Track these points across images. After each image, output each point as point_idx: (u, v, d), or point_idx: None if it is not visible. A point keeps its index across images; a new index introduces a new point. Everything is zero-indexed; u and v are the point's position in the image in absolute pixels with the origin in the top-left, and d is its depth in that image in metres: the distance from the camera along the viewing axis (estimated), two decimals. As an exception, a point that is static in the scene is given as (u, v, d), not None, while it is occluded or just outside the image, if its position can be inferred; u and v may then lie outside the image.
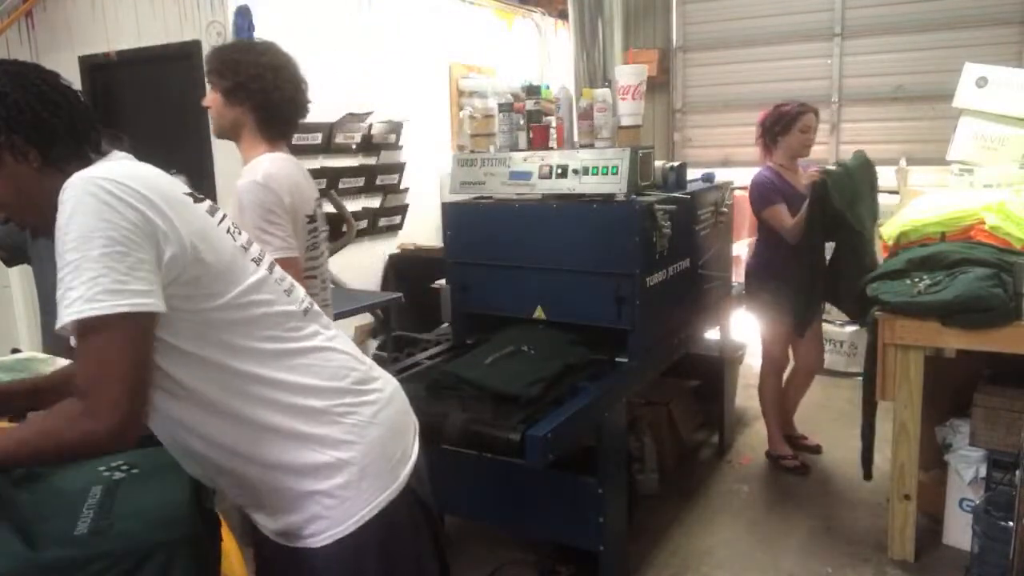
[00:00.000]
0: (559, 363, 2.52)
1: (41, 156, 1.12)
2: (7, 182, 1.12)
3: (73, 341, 1.01)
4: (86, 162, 1.13)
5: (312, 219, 2.01)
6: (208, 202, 1.18)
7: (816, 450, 3.69)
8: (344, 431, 1.20)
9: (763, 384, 3.67)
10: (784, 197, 3.33)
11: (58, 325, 0.99)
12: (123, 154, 1.19)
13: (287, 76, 1.95)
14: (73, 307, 0.97)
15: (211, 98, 1.96)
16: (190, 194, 1.15)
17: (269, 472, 1.15)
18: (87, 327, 0.98)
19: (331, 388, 1.20)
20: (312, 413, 1.17)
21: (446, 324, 3.97)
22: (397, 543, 1.24)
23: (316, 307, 1.29)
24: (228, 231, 1.17)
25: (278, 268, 1.26)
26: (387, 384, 1.33)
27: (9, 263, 2.63)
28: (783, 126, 3.38)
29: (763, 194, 3.35)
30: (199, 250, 1.07)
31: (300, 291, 1.27)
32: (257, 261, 1.19)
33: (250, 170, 1.88)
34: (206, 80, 1.96)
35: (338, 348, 1.26)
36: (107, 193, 1.01)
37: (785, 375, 3.69)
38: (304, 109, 2.03)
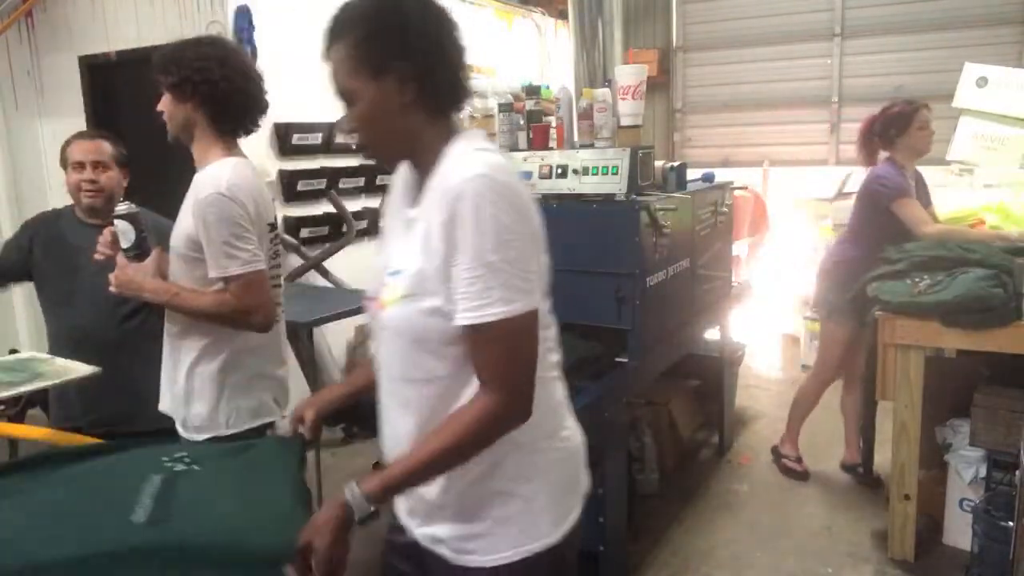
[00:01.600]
0: (572, 357, 2.53)
1: (418, 92, 1.12)
2: (373, 104, 1.12)
3: (467, 332, 1.10)
4: (448, 121, 1.17)
5: (273, 226, 1.96)
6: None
7: (803, 475, 3.57)
8: (524, 467, 1.20)
9: (807, 386, 3.58)
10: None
11: (474, 321, 1.07)
12: (489, 144, 1.20)
13: (235, 66, 1.85)
14: (495, 307, 1.06)
15: (163, 100, 1.88)
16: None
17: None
18: (503, 325, 1.07)
19: (536, 424, 1.17)
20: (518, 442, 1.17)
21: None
22: None
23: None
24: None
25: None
26: (575, 435, 1.31)
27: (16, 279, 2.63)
28: (899, 127, 3.21)
29: (896, 183, 3.14)
30: (542, 260, 1.16)
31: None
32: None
33: (210, 180, 1.78)
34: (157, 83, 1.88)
35: (559, 384, 1.26)
36: (513, 201, 1.08)
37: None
38: (259, 101, 1.91)
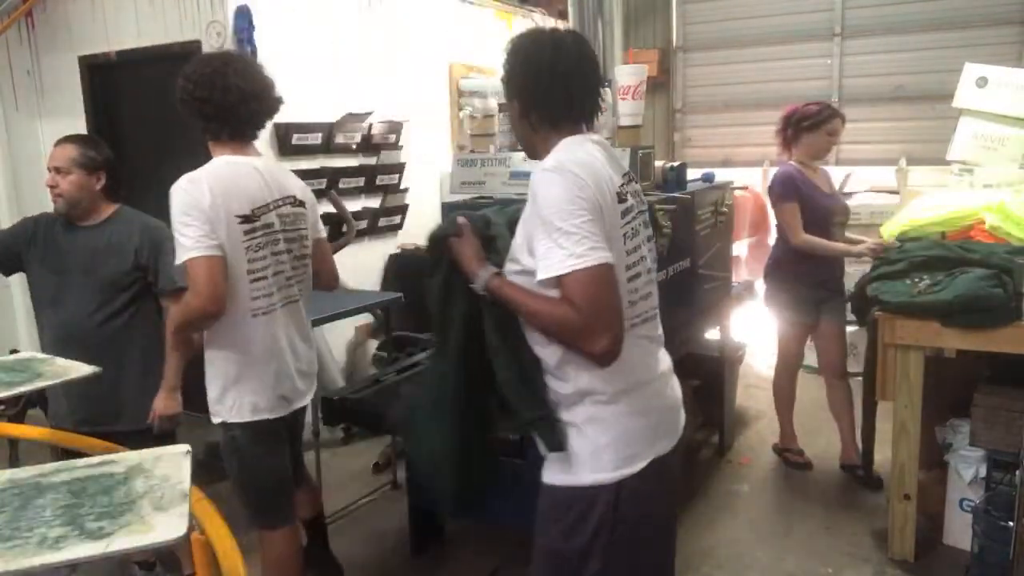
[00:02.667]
0: None
1: (530, 113, 1.57)
2: (511, 117, 1.66)
3: (553, 286, 1.40)
4: (563, 130, 1.55)
5: (247, 219, 2.01)
6: (627, 204, 1.53)
7: (807, 466, 3.64)
8: (593, 414, 1.50)
9: (777, 380, 3.68)
10: (803, 194, 3.31)
11: (547, 276, 1.38)
12: (592, 144, 1.54)
13: (226, 84, 1.99)
14: (568, 261, 1.36)
15: None
16: (618, 192, 1.50)
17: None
18: (581, 274, 1.36)
19: (606, 379, 1.48)
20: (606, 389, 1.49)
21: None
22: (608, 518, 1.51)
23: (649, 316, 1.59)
24: (625, 237, 1.50)
25: (649, 274, 1.59)
26: (643, 404, 1.54)
27: (6, 272, 2.66)
28: (812, 124, 3.35)
29: (785, 188, 3.33)
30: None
31: (645, 303, 1.57)
32: (628, 264, 1.51)
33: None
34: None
35: (636, 352, 1.52)
36: (576, 175, 1.41)
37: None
38: (255, 113, 2.07)
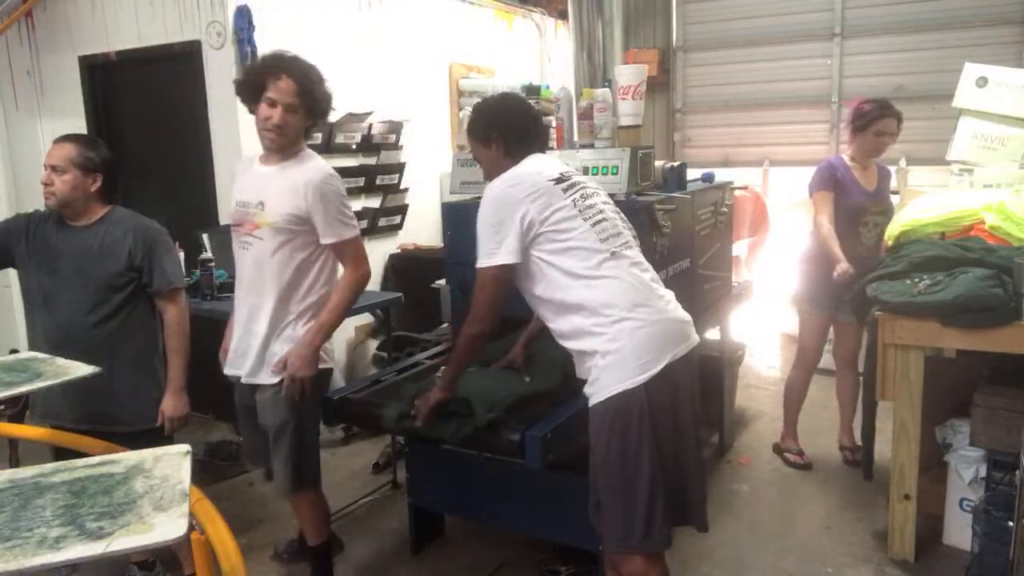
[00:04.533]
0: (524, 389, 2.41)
1: (498, 147, 2.15)
2: (486, 157, 2.19)
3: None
4: (518, 156, 2.11)
5: None
6: (569, 182, 2.03)
7: (807, 466, 3.63)
8: (611, 336, 1.91)
9: (792, 376, 3.71)
10: (840, 186, 3.32)
11: (477, 266, 2.00)
12: (537, 157, 2.11)
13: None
14: (480, 260, 1.99)
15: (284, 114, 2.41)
16: (556, 178, 2.02)
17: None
18: (481, 271, 2.00)
19: (594, 312, 1.93)
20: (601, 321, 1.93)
21: (446, 324, 3.97)
22: (630, 421, 1.90)
23: (624, 251, 2.03)
24: (575, 202, 1.99)
25: (612, 219, 2.06)
26: (637, 320, 1.92)
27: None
28: (861, 124, 3.35)
29: (820, 177, 3.36)
30: (547, 219, 1.95)
31: (618, 239, 2.03)
32: (586, 217, 1.98)
33: (312, 166, 2.43)
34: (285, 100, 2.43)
35: (613, 284, 1.94)
36: (500, 193, 2.00)
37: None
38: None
